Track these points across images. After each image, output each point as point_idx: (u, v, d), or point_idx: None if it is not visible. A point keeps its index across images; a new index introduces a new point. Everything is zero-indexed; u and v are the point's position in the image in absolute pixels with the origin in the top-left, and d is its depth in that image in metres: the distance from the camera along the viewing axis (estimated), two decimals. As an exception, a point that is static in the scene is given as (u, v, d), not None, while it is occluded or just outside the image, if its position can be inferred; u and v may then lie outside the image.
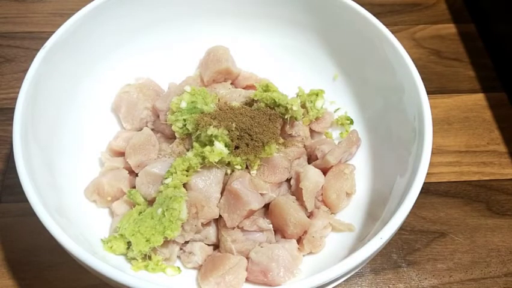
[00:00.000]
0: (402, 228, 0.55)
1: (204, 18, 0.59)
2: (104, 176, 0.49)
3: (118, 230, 0.45)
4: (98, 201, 0.49)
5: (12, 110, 0.44)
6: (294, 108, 0.51)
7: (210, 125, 0.46)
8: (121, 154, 0.52)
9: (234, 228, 0.46)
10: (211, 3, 0.58)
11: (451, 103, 0.66)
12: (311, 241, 0.47)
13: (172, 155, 0.49)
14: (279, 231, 0.48)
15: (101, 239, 0.46)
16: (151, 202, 0.47)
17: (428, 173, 0.42)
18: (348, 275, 0.41)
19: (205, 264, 0.46)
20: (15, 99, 0.45)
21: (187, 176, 0.46)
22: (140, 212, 0.46)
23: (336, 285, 0.41)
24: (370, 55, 0.53)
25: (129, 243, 0.44)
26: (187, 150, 0.48)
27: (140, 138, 0.50)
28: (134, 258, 0.45)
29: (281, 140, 0.51)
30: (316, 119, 0.56)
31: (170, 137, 0.52)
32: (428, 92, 0.47)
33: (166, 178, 0.46)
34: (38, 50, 0.48)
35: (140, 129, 0.53)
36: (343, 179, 0.50)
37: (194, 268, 0.47)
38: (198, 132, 0.47)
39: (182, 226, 0.45)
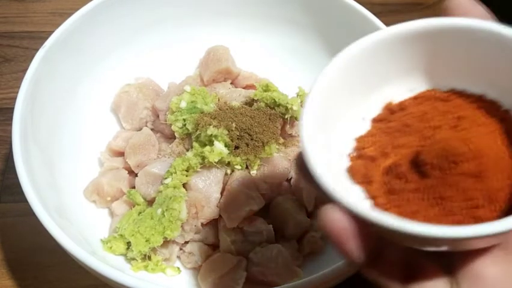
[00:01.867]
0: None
1: (204, 18, 0.59)
2: (104, 176, 0.49)
3: (117, 230, 0.45)
4: (97, 202, 0.49)
5: (11, 110, 0.44)
6: (294, 108, 0.50)
7: (210, 124, 0.46)
8: (121, 154, 0.51)
9: (233, 228, 0.45)
10: (211, 3, 0.58)
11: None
12: (311, 241, 0.47)
13: (172, 155, 0.49)
14: (279, 232, 0.47)
15: (101, 239, 0.46)
16: (150, 202, 0.47)
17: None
18: (348, 275, 0.40)
19: (205, 264, 0.45)
20: (14, 99, 0.44)
21: (186, 176, 0.46)
22: (140, 212, 0.46)
23: (336, 286, 0.40)
24: (371, 55, 0.53)
25: (129, 244, 0.44)
26: (187, 150, 0.48)
27: (140, 138, 0.50)
28: (134, 259, 0.45)
29: (281, 140, 0.51)
30: (317, 118, 0.55)
31: (170, 137, 0.52)
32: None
33: (166, 178, 0.46)
34: (37, 49, 0.48)
35: (140, 129, 0.52)
36: (343, 179, 0.50)
37: (194, 268, 0.47)
38: (198, 132, 0.47)
39: (182, 226, 0.44)
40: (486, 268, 0.23)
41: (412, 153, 0.25)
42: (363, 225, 0.21)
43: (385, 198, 0.25)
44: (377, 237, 0.22)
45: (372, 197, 0.26)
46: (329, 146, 0.26)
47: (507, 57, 0.25)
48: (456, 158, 0.23)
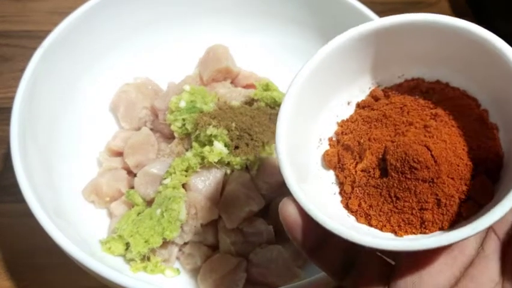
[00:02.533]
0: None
1: (203, 17, 0.59)
2: (103, 176, 0.49)
3: (116, 230, 0.45)
4: (96, 202, 0.49)
5: (9, 110, 0.44)
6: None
7: (210, 124, 0.46)
8: (120, 154, 0.51)
9: (233, 229, 0.45)
10: (211, 2, 0.58)
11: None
12: (312, 242, 0.46)
13: (171, 155, 0.49)
14: (279, 232, 0.47)
15: (100, 240, 0.45)
16: (149, 203, 0.47)
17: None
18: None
19: (204, 265, 0.45)
20: (12, 98, 0.44)
21: (186, 176, 0.45)
22: (139, 213, 0.46)
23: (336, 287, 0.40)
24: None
25: (128, 244, 0.44)
26: (186, 150, 0.48)
27: (139, 138, 0.50)
28: (132, 260, 0.44)
29: (281, 140, 0.50)
30: (317, 118, 0.55)
31: (169, 137, 0.51)
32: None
33: (165, 178, 0.45)
34: (35, 49, 0.48)
35: (139, 129, 0.52)
36: (344, 179, 0.49)
37: (193, 269, 0.46)
38: (197, 132, 0.46)
39: (181, 227, 0.44)
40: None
41: (381, 150, 0.27)
42: (311, 220, 0.25)
43: (350, 188, 0.28)
44: (323, 230, 0.25)
45: (341, 183, 0.29)
46: (309, 134, 0.29)
47: (480, 55, 0.27)
48: (415, 165, 0.25)
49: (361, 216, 0.27)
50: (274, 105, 0.50)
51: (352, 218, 0.27)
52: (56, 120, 0.50)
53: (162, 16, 0.57)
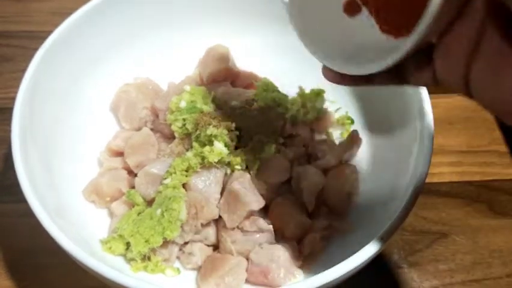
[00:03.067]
0: (403, 229, 0.55)
1: (203, 17, 0.59)
2: (103, 176, 0.49)
3: (117, 230, 0.45)
4: (97, 202, 0.49)
5: (10, 110, 0.44)
6: (295, 108, 0.50)
7: (210, 124, 0.46)
8: (120, 154, 0.51)
9: (233, 228, 0.45)
10: (211, 2, 0.58)
11: (452, 103, 0.66)
12: (311, 242, 0.46)
13: (172, 155, 0.49)
14: (279, 232, 0.47)
15: (100, 240, 0.45)
16: (150, 202, 0.47)
17: (429, 173, 0.41)
18: (348, 276, 0.40)
19: (204, 265, 0.45)
20: (13, 98, 0.44)
21: (186, 176, 0.45)
22: (140, 213, 0.46)
23: (336, 286, 0.40)
24: (371, 54, 0.53)
25: (128, 244, 0.44)
26: (187, 150, 0.48)
27: (139, 138, 0.50)
28: (133, 259, 0.45)
29: (281, 140, 0.50)
30: (317, 118, 0.55)
31: (170, 137, 0.51)
32: (430, 92, 0.46)
33: (166, 178, 0.45)
34: (36, 49, 0.48)
35: (139, 129, 0.52)
36: (344, 179, 0.49)
37: (193, 269, 0.47)
38: (198, 132, 0.46)
39: (181, 227, 0.44)
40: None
41: None
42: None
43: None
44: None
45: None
46: None
47: None
48: None
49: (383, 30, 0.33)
50: (274, 106, 0.50)
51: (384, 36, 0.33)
52: (57, 121, 0.50)
53: (163, 16, 0.57)
